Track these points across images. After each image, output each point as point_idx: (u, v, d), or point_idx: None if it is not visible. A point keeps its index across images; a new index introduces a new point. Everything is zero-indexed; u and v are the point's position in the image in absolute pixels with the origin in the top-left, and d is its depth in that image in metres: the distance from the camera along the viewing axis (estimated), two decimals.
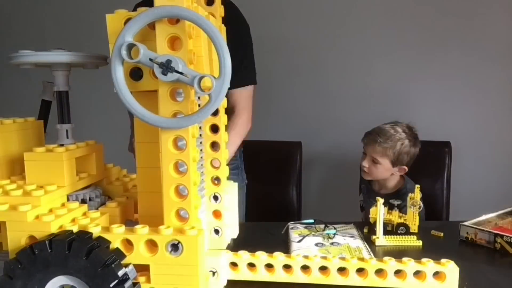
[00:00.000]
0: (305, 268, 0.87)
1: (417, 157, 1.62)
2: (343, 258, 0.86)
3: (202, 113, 0.63)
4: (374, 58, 2.14)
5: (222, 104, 0.87)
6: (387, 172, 1.57)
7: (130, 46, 0.62)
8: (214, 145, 0.88)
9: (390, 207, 1.21)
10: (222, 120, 0.87)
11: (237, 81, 1.27)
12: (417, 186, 1.18)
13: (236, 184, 0.97)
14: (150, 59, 0.62)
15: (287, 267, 0.87)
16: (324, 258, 0.87)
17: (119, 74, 0.63)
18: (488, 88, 2.16)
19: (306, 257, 0.87)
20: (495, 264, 1.01)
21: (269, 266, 0.88)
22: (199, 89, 0.62)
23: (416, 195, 1.18)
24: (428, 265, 0.82)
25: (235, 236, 0.96)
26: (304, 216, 1.81)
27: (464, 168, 1.98)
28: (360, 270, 0.85)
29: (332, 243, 1.09)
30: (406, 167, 1.56)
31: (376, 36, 2.14)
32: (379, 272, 0.84)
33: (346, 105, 2.11)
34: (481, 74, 2.14)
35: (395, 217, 1.19)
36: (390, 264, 0.83)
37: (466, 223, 1.14)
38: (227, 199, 0.90)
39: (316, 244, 1.08)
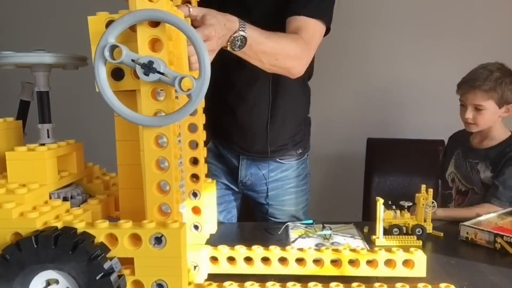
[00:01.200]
0: (283, 260, 0.91)
1: (411, 156, 1.65)
2: (318, 249, 0.91)
3: (183, 112, 0.66)
4: (372, 57, 2.16)
5: (201, 104, 0.90)
6: (495, 115, 1.46)
7: (113, 47, 0.64)
8: (193, 144, 0.91)
9: (400, 208, 1.19)
10: (200, 119, 0.90)
11: (307, 8, 1.12)
12: (423, 186, 1.19)
13: (214, 181, 1.00)
14: (132, 60, 0.64)
15: (265, 259, 0.91)
16: (301, 250, 0.91)
17: (102, 74, 0.65)
18: None
19: (283, 249, 0.91)
20: (495, 264, 0.99)
21: (248, 259, 0.91)
22: (179, 89, 0.65)
23: (429, 195, 1.17)
24: (398, 254, 0.87)
25: (214, 232, 0.99)
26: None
27: None
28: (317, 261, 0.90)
29: (332, 243, 1.10)
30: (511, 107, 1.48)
31: (375, 35, 2.14)
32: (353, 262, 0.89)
33: (346, 104, 2.11)
34: None
35: (410, 218, 1.17)
36: (362, 253, 0.88)
37: (466, 223, 1.13)
38: (206, 196, 0.94)
39: (316, 245, 1.08)
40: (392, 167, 1.76)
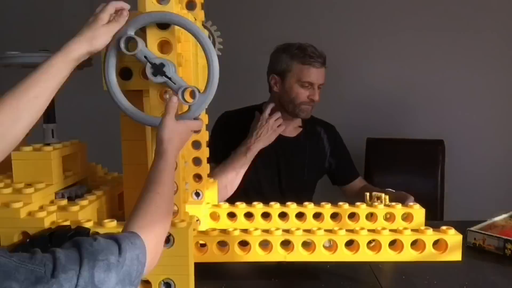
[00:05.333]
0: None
1: (410, 156, 1.66)
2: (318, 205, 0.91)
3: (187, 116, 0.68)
4: (372, 57, 2.16)
5: None
6: None
7: (129, 40, 0.64)
8: (196, 144, 0.92)
9: None
10: (203, 120, 0.91)
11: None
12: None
13: (216, 181, 1.01)
14: (145, 57, 0.65)
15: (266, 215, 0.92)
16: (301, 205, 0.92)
17: (112, 73, 0.66)
18: (482, 87, 2.17)
19: (283, 205, 0.92)
20: (505, 272, 0.93)
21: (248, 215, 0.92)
22: (182, 99, 0.66)
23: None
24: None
25: None
26: None
27: (457, 166, 1.97)
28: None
29: None
30: None
31: (375, 36, 2.14)
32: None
33: (345, 104, 2.12)
34: (477, 72, 2.15)
35: None
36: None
37: (473, 229, 1.06)
38: (208, 195, 0.95)
39: None
40: (392, 167, 1.77)
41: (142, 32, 0.68)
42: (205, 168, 0.92)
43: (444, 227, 0.79)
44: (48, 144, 0.80)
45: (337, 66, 2.12)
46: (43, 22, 2.15)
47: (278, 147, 1.49)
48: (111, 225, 0.68)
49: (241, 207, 0.92)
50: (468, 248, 1.05)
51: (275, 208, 0.91)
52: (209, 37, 0.96)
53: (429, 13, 2.15)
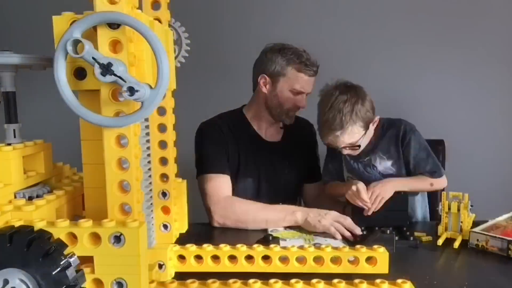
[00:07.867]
0: (249, 258, 0.92)
1: None
2: (284, 248, 0.92)
3: (136, 116, 0.67)
4: (372, 57, 2.16)
5: (170, 104, 0.91)
6: (367, 137, 1.45)
7: (76, 42, 0.65)
8: (162, 144, 0.92)
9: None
10: (169, 119, 0.91)
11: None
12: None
13: (184, 181, 1.01)
14: (93, 58, 0.65)
15: (232, 257, 0.92)
16: (267, 248, 0.92)
17: (62, 71, 0.66)
18: (483, 87, 2.19)
19: (249, 247, 0.92)
20: (506, 273, 0.94)
21: (215, 258, 0.92)
22: (129, 95, 0.65)
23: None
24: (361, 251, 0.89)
25: (183, 231, 1.00)
26: None
27: (457, 166, 1.98)
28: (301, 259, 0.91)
29: (314, 245, 1.07)
30: (376, 117, 1.47)
31: (375, 35, 2.14)
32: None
33: None
34: (476, 72, 2.17)
35: None
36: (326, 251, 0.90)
37: (476, 230, 1.08)
38: (175, 195, 0.94)
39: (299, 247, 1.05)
40: None
41: (94, 31, 0.68)
42: (171, 168, 0.92)
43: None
44: (9, 144, 0.80)
45: (337, 66, 2.12)
46: (3, 22, 2.16)
47: (260, 153, 1.48)
48: (63, 225, 0.68)
49: (208, 250, 0.93)
50: (470, 249, 1.06)
51: (241, 251, 0.92)
52: (177, 38, 0.96)
53: (430, 13, 2.15)
